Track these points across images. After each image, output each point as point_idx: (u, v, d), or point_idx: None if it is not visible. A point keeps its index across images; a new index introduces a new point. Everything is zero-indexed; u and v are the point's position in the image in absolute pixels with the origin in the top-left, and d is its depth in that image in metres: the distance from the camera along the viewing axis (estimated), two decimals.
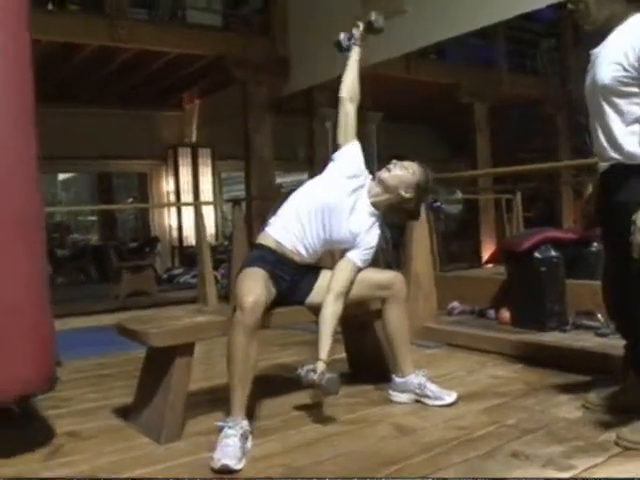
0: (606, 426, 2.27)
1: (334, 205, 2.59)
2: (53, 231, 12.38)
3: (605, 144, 2.14)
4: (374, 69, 6.47)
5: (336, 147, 2.83)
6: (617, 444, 2.10)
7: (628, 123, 2.07)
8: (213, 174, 10.25)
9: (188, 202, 9.72)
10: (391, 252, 6.01)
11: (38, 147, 2.26)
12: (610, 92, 2.09)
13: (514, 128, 10.14)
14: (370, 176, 2.76)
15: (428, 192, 2.82)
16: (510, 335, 3.63)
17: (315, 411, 2.67)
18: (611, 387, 2.51)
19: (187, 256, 9.16)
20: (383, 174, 2.68)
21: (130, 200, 12.09)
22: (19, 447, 2.35)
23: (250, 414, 2.62)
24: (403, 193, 2.68)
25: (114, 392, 3.12)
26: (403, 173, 2.68)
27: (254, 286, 2.35)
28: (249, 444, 2.28)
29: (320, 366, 2.42)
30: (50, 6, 6.43)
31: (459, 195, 6.21)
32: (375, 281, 2.68)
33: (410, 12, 5.65)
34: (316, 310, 2.70)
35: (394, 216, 2.82)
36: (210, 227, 9.35)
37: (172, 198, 10.03)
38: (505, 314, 4.02)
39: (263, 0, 7.69)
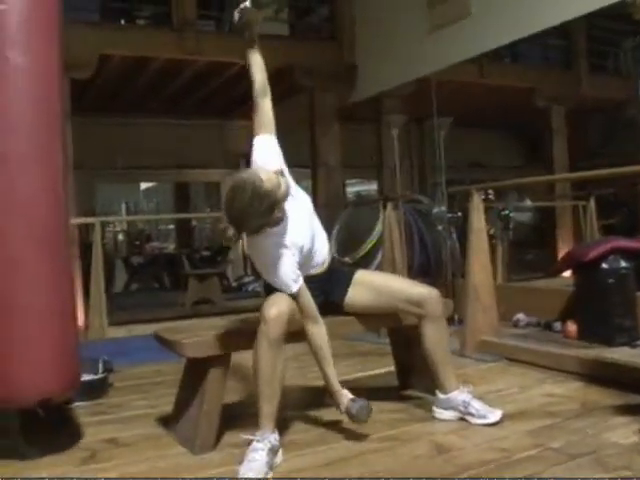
0: None
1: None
2: (134, 239, 12.81)
3: None
4: (445, 74, 6.35)
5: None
6: None
7: None
8: None
9: None
10: (459, 261, 5.84)
11: (64, 169, 2.32)
12: None
13: (594, 132, 9.70)
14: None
15: None
16: (572, 350, 3.42)
17: (354, 427, 2.59)
18: None
19: None
20: None
21: (208, 210, 12.31)
22: (57, 451, 2.40)
23: (287, 427, 2.59)
24: None
25: (162, 400, 3.13)
26: None
27: (278, 299, 2.31)
28: (278, 458, 2.23)
29: (344, 396, 2.42)
30: (122, 22, 6.66)
31: (529, 202, 5.96)
32: (408, 296, 2.58)
33: (477, 14, 5.49)
34: (356, 309, 2.67)
35: None
36: None
37: None
38: (572, 327, 3.81)
39: (330, 8, 7.68)
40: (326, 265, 2.63)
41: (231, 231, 2.20)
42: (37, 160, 2.21)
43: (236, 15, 2.52)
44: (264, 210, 2.18)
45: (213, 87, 8.06)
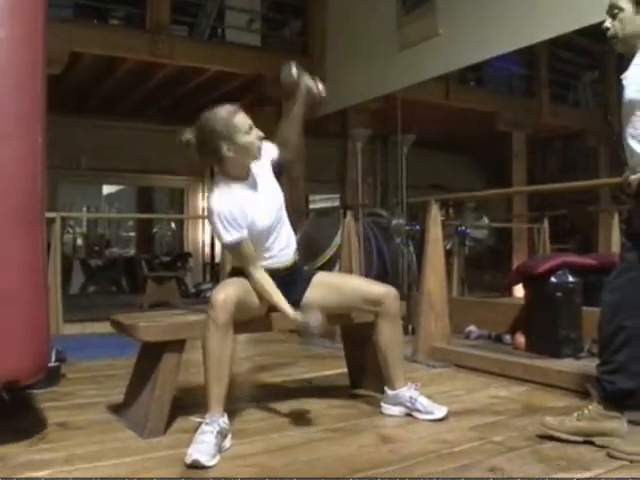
0: (595, 448, 2.18)
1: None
2: (94, 244, 12.66)
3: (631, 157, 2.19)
4: (411, 93, 6.49)
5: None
6: (612, 457, 2.08)
7: None
8: None
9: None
10: (415, 273, 5.95)
11: (43, 147, 2.34)
12: (635, 107, 2.13)
13: (554, 160, 9.99)
14: None
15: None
16: (517, 358, 3.53)
17: (304, 418, 2.65)
18: None
19: (217, 272, 9.25)
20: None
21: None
22: (7, 433, 2.39)
23: (239, 417, 2.64)
24: None
25: (115, 390, 3.12)
26: None
27: (226, 286, 2.39)
28: (227, 442, 2.27)
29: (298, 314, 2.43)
30: (95, 20, 6.67)
31: (485, 220, 6.14)
32: (366, 294, 2.65)
33: (444, 34, 5.64)
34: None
35: None
36: None
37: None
38: (520, 339, 3.93)
39: (302, 22, 7.80)
40: (289, 264, 2.67)
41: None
42: (19, 134, 2.23)
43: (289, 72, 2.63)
44: (224, 136, 2.43)
45: (183, 93, 8.08)
